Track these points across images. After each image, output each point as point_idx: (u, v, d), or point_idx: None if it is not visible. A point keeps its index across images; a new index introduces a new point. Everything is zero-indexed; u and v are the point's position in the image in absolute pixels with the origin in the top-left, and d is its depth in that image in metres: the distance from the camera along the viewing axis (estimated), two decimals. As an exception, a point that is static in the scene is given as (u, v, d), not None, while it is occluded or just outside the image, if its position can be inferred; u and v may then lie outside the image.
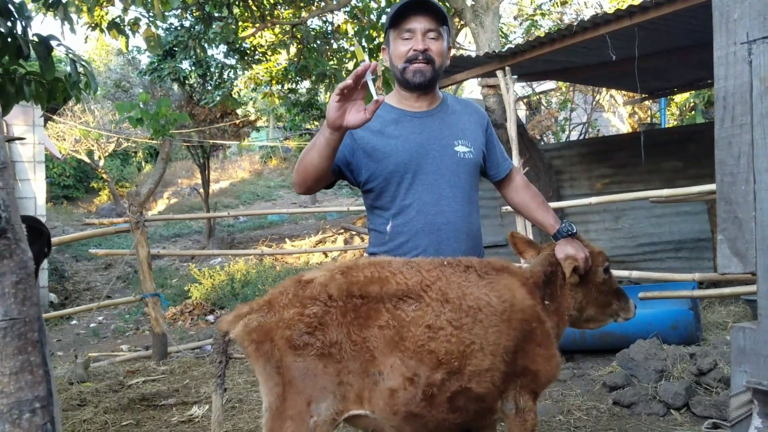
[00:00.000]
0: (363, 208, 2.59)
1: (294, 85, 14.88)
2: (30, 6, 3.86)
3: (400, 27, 2.32)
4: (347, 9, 11.96)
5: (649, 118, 16.52)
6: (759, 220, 1.54)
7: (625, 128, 16.66)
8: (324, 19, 12.70)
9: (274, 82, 13.79)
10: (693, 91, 12.05)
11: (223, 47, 12.39)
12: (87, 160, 21.12)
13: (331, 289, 1.95)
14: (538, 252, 2.48)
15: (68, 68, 3.95)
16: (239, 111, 18.64)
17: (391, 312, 1.94)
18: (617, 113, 17.14)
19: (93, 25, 7.75)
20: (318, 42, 11.28)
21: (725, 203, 1.62)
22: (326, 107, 2.08)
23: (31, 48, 3.62)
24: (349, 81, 1.89)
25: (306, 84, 15.21)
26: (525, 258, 2.55)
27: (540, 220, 2.51)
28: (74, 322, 9.84)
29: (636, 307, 2.52)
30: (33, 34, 3.71)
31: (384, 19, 10.83)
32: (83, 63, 3.91)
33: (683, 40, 6.84)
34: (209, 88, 15.18)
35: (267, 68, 13.59)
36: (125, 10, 6.89)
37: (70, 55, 3.83)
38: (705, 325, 5.95)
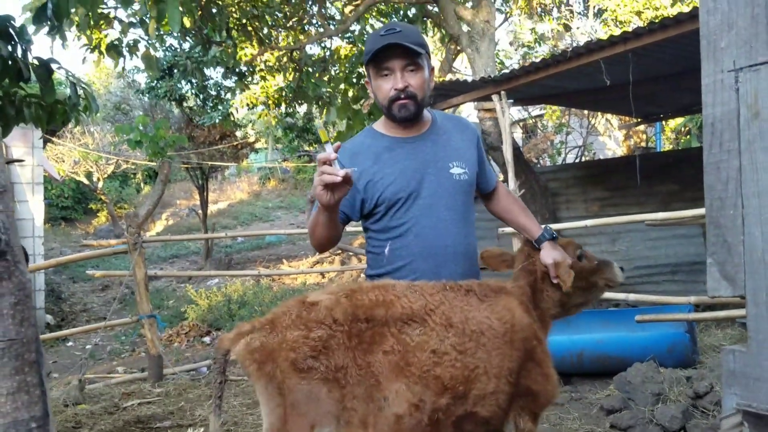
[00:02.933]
0: (360, 229, 2.62)
1: (291, 109, 14.98)
2: (29, 28, 3.89)
3: (378, 65, 2.32)
4: (348, 35, 12.11)
5: (644, 142, 16.65)
6: (747, 244, 1.57)
7: (620, 152, 16.76)
8: (323, 45, 12.84)
9: (270, 102, 13.89)
10: (687, 116, 12.14)
11: (220, 68, 12.49)
12: (86, 181, 21.14)
13: (337, 313, 1.93)
14: (511, 263, 2.50)
15: (68, 91, 3.99)
16: (238, 133, 18.73)
17: (396, 336, 1.93)
18: (613, 137, 17.26)
19: (92, 47, 7.82)
20: (314, 67, 11.39)
21: (714, 227, 1.65)
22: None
23: (31, 71, 3.66)
24: (328, 177, 1.95)
25: (303, 108, 15.31)
26: (500, 272, 2.57)
27: (523, 225, 2.54)
28: (70, 343, 9.79)
29: (622, 270, 2.48)
30: (33, 57, 3.75)
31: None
32: (83, 86, 3.95)
33: (676, 66, 6.92)
34: (207, 109, 15.28)
35: (263, 87, 13.70)
36: (123, 32, 6.96)
37: (70, 78, 3.87)
38: (702, 348, 5.94)
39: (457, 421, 1.95)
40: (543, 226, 2.45)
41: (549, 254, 2.32)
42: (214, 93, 14.70)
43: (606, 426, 4.36)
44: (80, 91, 3.87)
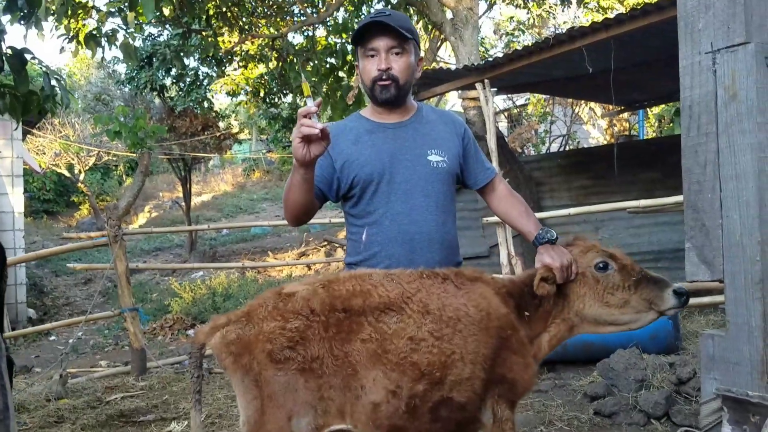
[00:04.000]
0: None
1: (276, 99, 14.87)
2: (3, 19, 3.82)
3: (365, 46, 2.36)
4: (329, 23, 12.03)
5: (627, 130, 16.70)
6: (725, 228, 1.56)
7: (604, 140, 16.82)
8: (306, 33, 12.74)
9: (251, 90, 13.80)
10: (670, 104, 12.19)
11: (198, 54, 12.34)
12: (67, 174, 20.90)
13: (314, 303, 1.94)
14: None
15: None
16: (221, 123, 18.58)
17: (373, 325, 1.94)
18: (597, 125, 17.31)
19: (70, 37, 7.70)
20: (297, 57, 11.32)
21: (692, 211, 1.63)
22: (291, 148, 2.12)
23: (4, 61, 3.59)
24: (305, 129, 1.97)
25: (288, 99, 15.22)
26: None
27: (520, 228, 2.48)
28: (53, 337, 9.69)
29: (680, 296, 2.10)
30: (7, 47, 3.67)
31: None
32: (57, 77, 3.88)
33: (659, 53, 6.92)
34: (181, 93, 15.16)
35: (244, 73, 13.60)
36: (101, 21, 6.86)
37: (44, 69, 3.80)
38: (684, 335, 5.98)
39: (433, 407, 1.95)
40: (542, 228, 2.35)
41: (540, 258, 2.25)
42: (191, 79, 14.55)
43: (590, 412, 4.37)
44: (54, 82, 3.80)
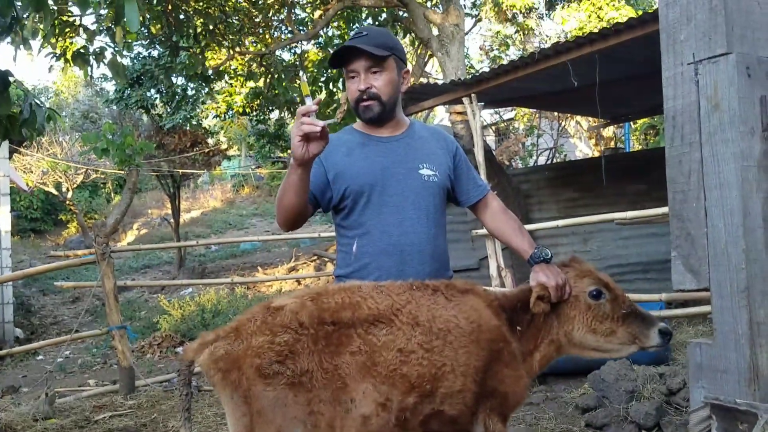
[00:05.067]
0: (335, 234, 2.59)
1: (263, 115, 14.89)
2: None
3: (346, 67, 2.40)
4: (317, 41, 12.10)
5: (613, 143, 16.84)
6: (711, 237, 1.57)
7: (591, 153, 16.94)
8: (294, 51, 12.80)
9: (236, 109, 13.82)
10: (655, 116, 12.30)
11: (187, 74, 12.38)
12: (55, 192, 20.78)
13: (302, 316, 1.92)
14: None
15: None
16: (210, 140, 18.55)
17: (362, 337, 1.93)
18: (583, 139, 17.44)
19: (57, 54, 7.68)
20: (285, 73, 11.36)
21: (677, 220, 1.64)
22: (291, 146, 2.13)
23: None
24: (306, 127, 1.99)
25: (275, 115, 15.25)
26: None
27: (515, 247, 2.47)
28: (40, 357, 9.59)
29: (664, 335, 2.17)
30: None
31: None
32: (35, 100, 3.83)
33: (643, 66, 6.99)
34: (169, 111, 15.15)
35: (225, 98, 13.62)
36: (90, 40, 6.84)
37: (22, 89, 3.78)
38: (674, 345, 5.99)
39: (424, 421, 1.94)
40: (537, 247, 2.36)
41: (535, 276, 2.25)
42: (180, 96, 14.55)
43: (581, 425, 4.37)
44: (33, 107, 3.75)
